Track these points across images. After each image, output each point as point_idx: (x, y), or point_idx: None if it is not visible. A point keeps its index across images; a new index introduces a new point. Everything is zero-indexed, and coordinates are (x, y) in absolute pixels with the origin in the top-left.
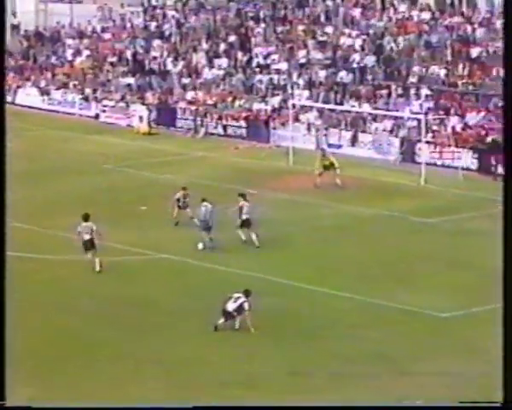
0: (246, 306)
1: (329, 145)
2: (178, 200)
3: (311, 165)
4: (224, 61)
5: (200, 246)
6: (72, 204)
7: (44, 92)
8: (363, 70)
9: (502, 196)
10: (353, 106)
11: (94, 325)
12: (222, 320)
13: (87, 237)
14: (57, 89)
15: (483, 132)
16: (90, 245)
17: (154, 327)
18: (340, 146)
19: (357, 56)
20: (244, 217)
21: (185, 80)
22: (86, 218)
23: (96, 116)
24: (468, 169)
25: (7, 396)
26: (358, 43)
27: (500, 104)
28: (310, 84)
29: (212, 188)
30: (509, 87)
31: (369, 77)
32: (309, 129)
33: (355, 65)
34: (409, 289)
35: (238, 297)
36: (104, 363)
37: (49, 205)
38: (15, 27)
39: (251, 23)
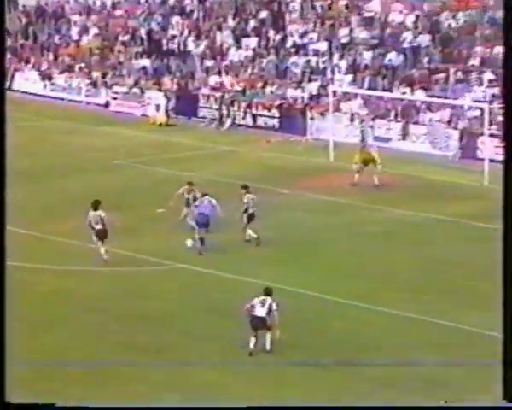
0: (274, 305)
1: (376, 138)
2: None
3: (352, 161)
4: (253, 41)
5: (189, 243)
6: (78, 206)
7: (46, 76)
8: (416, 51)
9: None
10: (404, 93)
11: (103, 344)
12: (253, 339)
13: (98, 226)
14: (61, 73)
15: None
16: (102, 235)
17: (169, 347)
18: (388, 139)
19: (408, 35)
20: (250, 211)
21: (208, 63)
22: (96, 206)
23: (106, 104)
24: None
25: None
26: (411, 19)
27: None
28: (353, 68)
29: (239, 188)
30: (509, 87)
31: (424, 59)
32: (352, 120)
33: (406, 45)
34: (467, 307)
35: (263, 300)
36: (113, 388)
37: (51, 208)
38: (13, 2)
39: None
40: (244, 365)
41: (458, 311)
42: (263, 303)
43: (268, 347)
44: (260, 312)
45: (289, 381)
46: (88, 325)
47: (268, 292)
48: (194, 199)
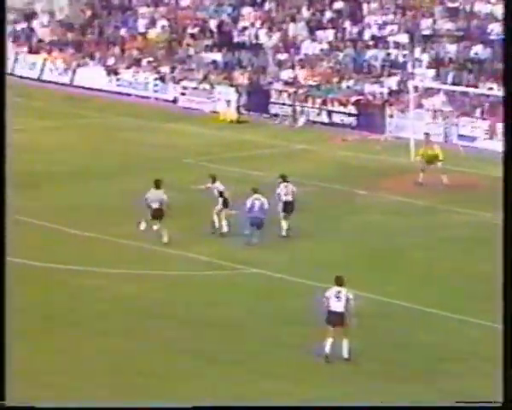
0: (350, 295)
1: (460, 137)
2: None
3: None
4: (329, 34)
5: (142, 227)
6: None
7: (112, 71)
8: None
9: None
10: (491, 88)
11: (169, 353)
12: (330, 340)
13: (156, 205)
14: (127, 67)
15: None
16: (158, 215)
17: (240, 357)
18: (473, 138)
19: (496, 27)
20: (284, 199)
21: (281, 56)
22: (158, 185)
23: (174, 100)
24: None
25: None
26: (499, 9)
27: None
28: (436, 62)
29: (314, 188)
30: (508, 86)
31: None
32: (435, 117)
33: (494, 37)
34: None
35: (338, 292)
36: (182, 400)
37: (115, 209)
38: None
39: None
40: (320, 374)
41: None
42: (338, 297)
43: (346, 354)
44: (336, 306)
45: (368, 393)
46: (153, 333)
47: (340, 282)
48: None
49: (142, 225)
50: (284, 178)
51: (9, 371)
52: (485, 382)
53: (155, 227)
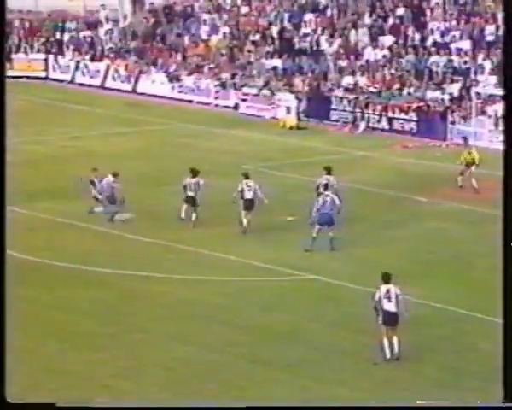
0: (398, 291)
1: None
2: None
3: (499, 168)
4: (390, 40)
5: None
6: (203, 213)
7: (174, 78)
8: None
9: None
10: None
11: (227, 360)
12: (386, 342)
13: (191, 193)
14: (189, 74)
15: None
16: (191, 202)
17: (299, 363)
18: None
19: None
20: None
21: (342, 63)
22: (195, 173)
23: (235, 106)
24: None
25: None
26: None
27: None
28: (499, 69)
29: (375, 195)
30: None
31: None
32: (497, 124)
33: None
34: None
35: (388, 290)
36: (237, 403)
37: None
38: (139, 2)
39: None
40: (375, 380)
41: None
42: (388, 297)
43: (397, 351)
44: (389, 306)
45: (426, 398)
46: (210, 340)
47: (387, 279)
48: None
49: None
50: (246, 176)
51: (73, 375)
52: None
53: (183, 214)
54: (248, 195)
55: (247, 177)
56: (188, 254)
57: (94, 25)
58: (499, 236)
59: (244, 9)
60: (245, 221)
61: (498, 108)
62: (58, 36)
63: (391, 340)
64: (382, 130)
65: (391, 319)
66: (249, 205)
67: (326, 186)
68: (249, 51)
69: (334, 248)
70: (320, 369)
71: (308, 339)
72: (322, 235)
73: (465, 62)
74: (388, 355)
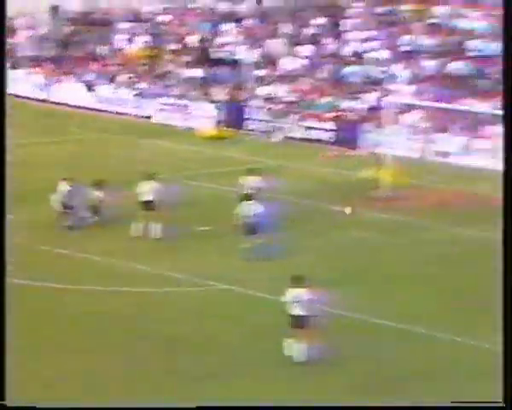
0: (310, 295)
1: (437, 153)
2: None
3: (417, 177)
4: (308, 49)
5: None
6: (112, 223)
7: (91, 87)
8: (484, 60)
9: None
10: (470, 105)
11: (141, 371)
12: (291, 342)
13: (92, 203)
14: (107, 83)
15: None
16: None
17: (214, 372)
18: (448, 154)
19: (476, 43)
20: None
21: (261, 72)
22: (98, 183)
23: (150, 116)
24: None
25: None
26: (482, 26)
27: None
28: (415, 78)
29: (293, 205)
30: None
31: (492, 69)
32: (412, 133)
33: (473, 53)
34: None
35: (298, 294)
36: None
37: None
38: (55, 9)
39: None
40: (285, 384)
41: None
42: (298, 301)
43: (305, 353)
44: (297, 310)
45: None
46: (125, 349)
47: (297, 283)
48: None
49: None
50: (151, 176)
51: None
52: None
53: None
54: (147, 197)
55: (150, 178)
56: (98, 264)
57: (11, 32)
58: (418, 244)
59: (164, 18)
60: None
61: (414, 117)
62: None
63: (300, 343)
64: (300, 139)
65: (298, 323)
66: (148, 207)
67: (250, 193)
68: (168, 61)
69: (250, 258)
70: (235, 377)
71: (223, 349)
72: (245, 243)
73: (383, 72)
74: (297, 359)
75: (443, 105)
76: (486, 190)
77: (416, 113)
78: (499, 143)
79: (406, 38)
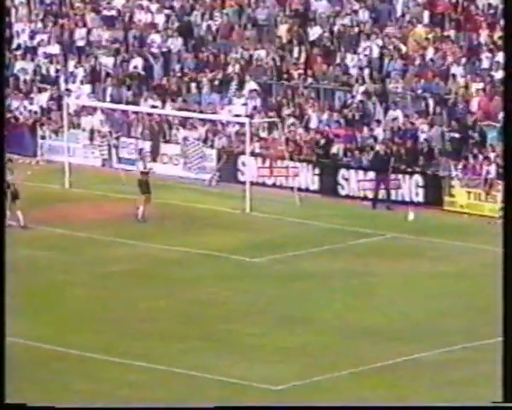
0: None
1: (121, 160)
2: None
3: (94, 188)
4: None
5: None
6: None
7: None
8: (167, 57)
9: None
10: (154, 106)
11: None
12: None
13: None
14: None
15: (325, 140)
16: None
17: None
18: (134, 161)
19: (157, 37)
20: None
21: None
22: None
23: None
24: (307, 190)
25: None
26: (160, 19)
27: (348, 101)
28: (92, 76)
29: None
30: (508, 87)
31: (176, 66)
32: (92, 138)
33: (155, 49)
34: (230, 356)
35: None
36: None
37: None
38: None
39: None
40: None
41: (223, 362)
42: None
43: None
44: None
45: None
46: None
47: None
48: None
49: None
50: None
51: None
52: None
53: None
54: None
55: None
56: None
57: None
58: (95, 262)
59: None
60: None
61: (93, 120)
62: None
63: None
64: None
65: None
66: None
67: None
68: None
69: None
70: None
71: None
72: None
73: (57, 70)
74: None
75: (124, 107)
76: (177, 199)
77: (95, 116)
78: (187, 148)
79: (80, 31)
